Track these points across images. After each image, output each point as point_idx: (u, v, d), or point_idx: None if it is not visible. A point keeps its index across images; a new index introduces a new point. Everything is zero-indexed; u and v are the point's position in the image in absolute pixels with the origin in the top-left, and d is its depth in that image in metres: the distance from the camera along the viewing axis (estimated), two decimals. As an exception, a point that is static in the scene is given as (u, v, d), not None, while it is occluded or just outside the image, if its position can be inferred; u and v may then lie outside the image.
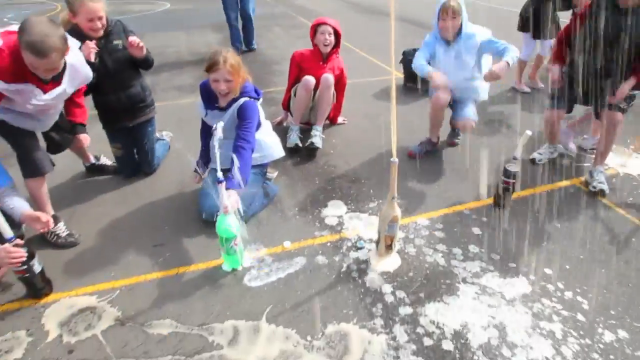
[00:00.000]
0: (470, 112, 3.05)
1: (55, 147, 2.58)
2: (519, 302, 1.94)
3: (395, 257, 2.22)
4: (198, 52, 6.48)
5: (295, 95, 3.42)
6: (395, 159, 1.95)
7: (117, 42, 2.64)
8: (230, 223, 2.03)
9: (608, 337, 1.77)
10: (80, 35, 2.42)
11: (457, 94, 3.10)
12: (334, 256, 2.26)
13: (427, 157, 3.27)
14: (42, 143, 2.43)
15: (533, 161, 3.16)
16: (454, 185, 2.91)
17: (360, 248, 2.31)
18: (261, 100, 2.55)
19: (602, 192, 2.75)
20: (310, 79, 3.26)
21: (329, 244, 2.35)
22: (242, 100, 2.40)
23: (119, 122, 2.84)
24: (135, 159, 3.02)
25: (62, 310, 1.93)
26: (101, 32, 2.54)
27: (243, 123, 2.38)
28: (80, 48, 2.30)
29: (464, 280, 2.08)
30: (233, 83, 2.33)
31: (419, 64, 3.01)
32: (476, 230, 2.45)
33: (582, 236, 2.41)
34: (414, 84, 4.56)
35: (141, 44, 2.59)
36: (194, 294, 2.02)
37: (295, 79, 3.47)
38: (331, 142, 3.51)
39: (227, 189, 2.07)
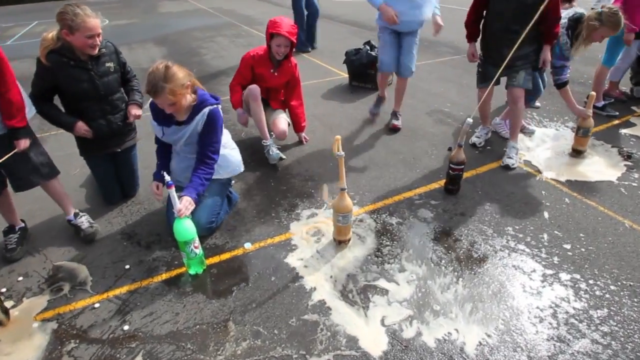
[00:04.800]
0: (413, 63, 3.55)
1: (15, 181, 2.33)
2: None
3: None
4: (142, 67, 6.37)
5: (247, 111, 3.32)
6: (341, 152, 2.06)
7: (109, 64, 2.51)
8: (186, 226, 2.06)
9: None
10: (72, 53, 2.34)
11: (404, 27, 3.34)
12: (294, 252, 2.34)
13: (376, 150, 3.42)
14: None
15: (474, 145, 3.40)
16: (403, 174, 3.08)
17: (317, 242, 2.41)
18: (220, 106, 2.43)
19: (507, 167, 3.04)
20: (254, 89, 3.13)
21: (288, 241, 2.43)
22: (206, 110, 2.28)
23: (108, 148, 2.69)
24: (119, 184, 2.86)
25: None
26: (97, 50, 2.39)
27: (209, 136, 2.32)
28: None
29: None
30: (178, 103, 2.18)
31: None
32: (426, 214, 2.62)
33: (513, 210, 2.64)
34: (359, 83, 4.74)
35: (139, 113, 2.65)
36: (160, 304, 2.03)
37: (244, 79, 3.26)
38: (283, 145, 3.59)
39: (182, 196, 2.11)
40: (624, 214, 2.60)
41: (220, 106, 2.39)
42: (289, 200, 2.81)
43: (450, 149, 2.66)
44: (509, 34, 2.79)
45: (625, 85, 4.37)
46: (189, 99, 2.25)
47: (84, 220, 2.53)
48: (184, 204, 2.09)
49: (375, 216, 2.62)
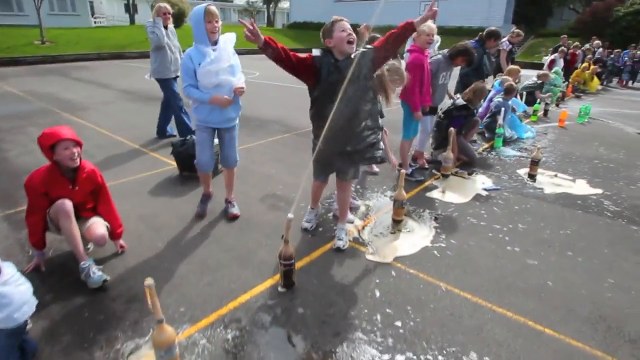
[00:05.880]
0: (236, 152, 3.62)
1: None
2: None
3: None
4: None
5: (57, 230, 2.84)
6: (149, 281, 1.82)
7: None
8: None
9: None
10: None
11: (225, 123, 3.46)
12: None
13: (208, 249, 3.21)
14: None
15: (306, 230, 3.47)
16: (238, 274, 2.92)
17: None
18: None
19: (337, 249, 3.18)
20: (64, 205, 2.72)
21: (102, 393, 2.01)
22: None
23: None
24: None
25: None
26: None
27: None
28: None
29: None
30: None
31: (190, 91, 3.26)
32: (264, 317, 2.49)
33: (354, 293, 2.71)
34: (189, 173, 4.55)
35: None
36: None
37: (42, 210, 2.82)
38: (101, 257, 3.11)
39: None
40: (439, 277, 2.89)
41: None
42: (106, 334, 2.36)
43: (283, 237, 2.63)
44: (346, 126, 2.82)
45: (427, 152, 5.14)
46: None
47: None
48: None
49: (209, 333, 2.37)
